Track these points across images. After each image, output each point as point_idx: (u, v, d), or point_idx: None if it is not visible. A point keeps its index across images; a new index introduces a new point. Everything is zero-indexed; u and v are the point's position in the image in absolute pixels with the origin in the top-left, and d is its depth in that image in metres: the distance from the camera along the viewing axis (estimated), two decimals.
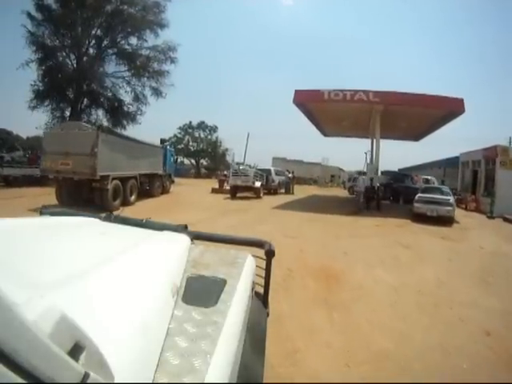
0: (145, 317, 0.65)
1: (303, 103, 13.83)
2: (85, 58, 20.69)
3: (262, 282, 1.35)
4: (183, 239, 1.30)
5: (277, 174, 20.80)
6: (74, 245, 1.01)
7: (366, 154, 31.25)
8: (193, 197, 15.52)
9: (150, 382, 0.56)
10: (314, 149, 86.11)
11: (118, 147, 10.67)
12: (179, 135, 46.30)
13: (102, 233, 1.24)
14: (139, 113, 22.65)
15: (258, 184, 16.86)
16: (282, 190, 21.14)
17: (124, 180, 11.06)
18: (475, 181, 16.91)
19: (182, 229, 1.42)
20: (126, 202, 11.18)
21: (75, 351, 0.41)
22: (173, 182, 17.86)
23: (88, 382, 0.40)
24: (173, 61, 22.18)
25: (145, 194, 13.37)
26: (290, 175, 23.11)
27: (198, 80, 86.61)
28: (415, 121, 14.78)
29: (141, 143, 12.89)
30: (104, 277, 0.72)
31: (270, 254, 1.30)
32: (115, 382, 0.46)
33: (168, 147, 17.73)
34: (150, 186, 14.07)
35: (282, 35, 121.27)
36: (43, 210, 1.57)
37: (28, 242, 0.91)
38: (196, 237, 1.43)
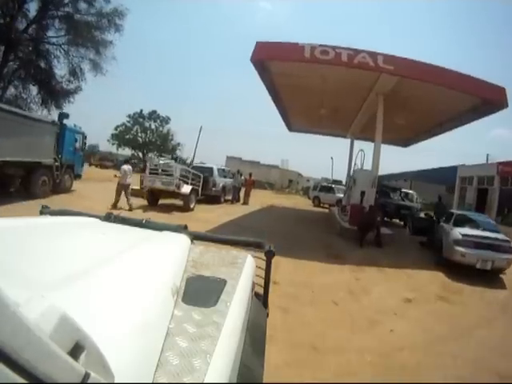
0: (145, 317, 0.64)
1: (268, 62, 8.18)
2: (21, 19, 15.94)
3: (262, 282, 1.34)
4: (183, 239, 1.30)
5: (222, 175, 14.77)
6: (74, 245, 1.00)
7: (332, 158, 27.78)
8: (99, 200, 10.13)
9: (150, 382, 0.56)
10: (272, 151, 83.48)
11: None
12: (128, 124, 41.19)
13: (102, 233, 1.23)
14: (78, 90, 18.44)
15: (186, 189, 10.71)
16: (229, 198, 15.37)
17: None
18: (482, 202, 13.11)
19: (182, 229, 1.41)
20: None
21: (76, 351, 0.41)
22: (78, 176, 12.54)
23: (88, 381, 0.39)
24: (118, 29, 17.85)
25: (18, 193, 8.92)
26: (243, 178, 17.46)
27: (164, 71, 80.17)
28: (428, 112, 10.21)
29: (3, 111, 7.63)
30: (104, 277, 0.72)
31: (269, 255, 1.31)
32: (115, 381, 0.46)
33: (72, 126, 11.84)
34: (26, 182, 9.23)
35: (255, 37, 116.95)
36: (43, 210, 1.53)
37: (28, 242, 0.90)
38: (196, 237, 1.43)
